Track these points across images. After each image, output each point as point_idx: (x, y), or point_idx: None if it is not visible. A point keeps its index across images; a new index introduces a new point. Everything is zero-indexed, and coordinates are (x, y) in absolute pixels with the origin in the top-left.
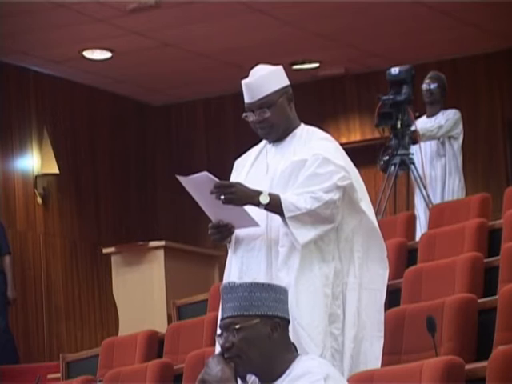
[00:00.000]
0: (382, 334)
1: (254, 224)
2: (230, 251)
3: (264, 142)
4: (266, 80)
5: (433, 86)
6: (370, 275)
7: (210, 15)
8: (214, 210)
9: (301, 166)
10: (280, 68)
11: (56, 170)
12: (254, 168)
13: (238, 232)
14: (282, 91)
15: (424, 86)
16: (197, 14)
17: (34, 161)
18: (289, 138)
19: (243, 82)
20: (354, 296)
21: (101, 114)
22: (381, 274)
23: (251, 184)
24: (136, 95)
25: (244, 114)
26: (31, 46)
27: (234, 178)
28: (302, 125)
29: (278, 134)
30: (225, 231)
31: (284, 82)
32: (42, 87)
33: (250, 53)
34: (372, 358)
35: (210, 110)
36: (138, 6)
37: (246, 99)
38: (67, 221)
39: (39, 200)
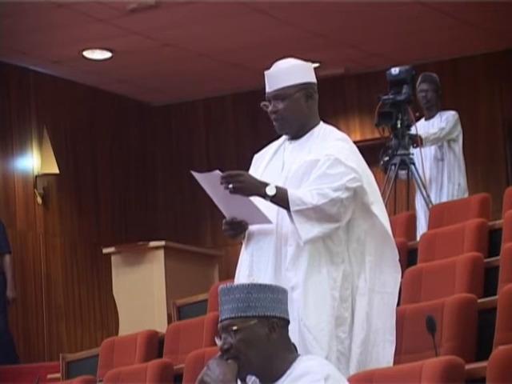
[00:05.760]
0: (394, 338)
1: (267, 221)
2: (242, 247)
3: (283, 137)
4: (285, 72)
5: (428, 93)
6: (383, 278)
7: (210, 15)
8: (228, 206)
9: (313, 165)
10: (306, 64)
11: (56, 170)
12: (271, 164)
13: (251, 228)
14: (300, 86)
15: (419, 95)
16: (197, 14)
17: (34, 161)
18: (306, 137)
19: (265, 72)
20: (363, 300)
21: (101, 114)
22: (394, 278)
23: (266, 180)
24: (136, 95)
25: (262, 103)
26: (31, 46)
27: (251, 173)
28: (321, 123)
29: (293, 129)
30: (238, 228)
31: (305, 78)
32: (42, 87)
33: (250, 53)
34: (383, 362)
35: (209, 110)
36: (138, 6)
37: (266, 89)
38: (67, 221)
39: (39, 200)
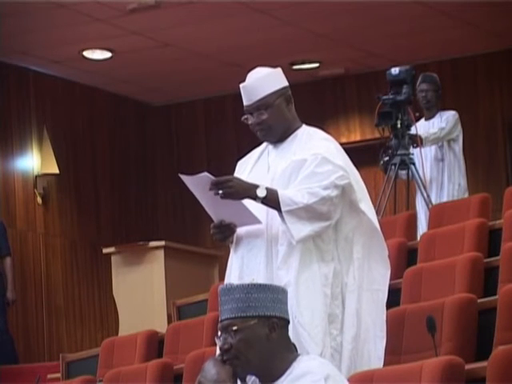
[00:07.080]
0: (384, 333)
1: (256, 221)
2: (231, 251)
3: (266, 143)
4: (262, 82)
5: (428, 93)
6: (371, 275)
7: (210, 15)
8: (216, 209)
9: (300, 165)
10: (277, 70)
11: (56, 170)
12: (256, 168)
13: (239, 231)
14: (278, 93)
15: (419, 95)
16: (197, 14)
17: (34, 161)
18: (290, 139)
19: (241, 85)
20: (352, 297)
21: (101, 114)
22: (383, 274)
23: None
24: (136, 95)
25: (243, 117)
26: (31, 46)
27: None
28: (304, 126)
29: (277, 135)
30: (227, 231)
31: (281, 83)
32: (42, 87)
33: (249, 53)
34: (375, 358)
35: (209, 110)
36: (138, 5)
37: (244, 102)
38: (67, 221)
39: (39, 200)
